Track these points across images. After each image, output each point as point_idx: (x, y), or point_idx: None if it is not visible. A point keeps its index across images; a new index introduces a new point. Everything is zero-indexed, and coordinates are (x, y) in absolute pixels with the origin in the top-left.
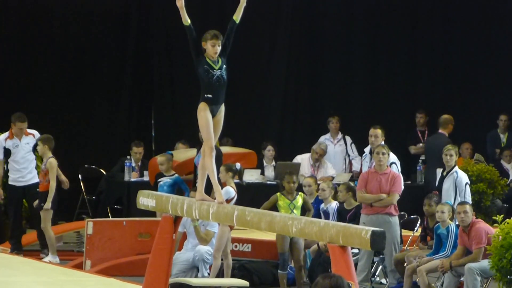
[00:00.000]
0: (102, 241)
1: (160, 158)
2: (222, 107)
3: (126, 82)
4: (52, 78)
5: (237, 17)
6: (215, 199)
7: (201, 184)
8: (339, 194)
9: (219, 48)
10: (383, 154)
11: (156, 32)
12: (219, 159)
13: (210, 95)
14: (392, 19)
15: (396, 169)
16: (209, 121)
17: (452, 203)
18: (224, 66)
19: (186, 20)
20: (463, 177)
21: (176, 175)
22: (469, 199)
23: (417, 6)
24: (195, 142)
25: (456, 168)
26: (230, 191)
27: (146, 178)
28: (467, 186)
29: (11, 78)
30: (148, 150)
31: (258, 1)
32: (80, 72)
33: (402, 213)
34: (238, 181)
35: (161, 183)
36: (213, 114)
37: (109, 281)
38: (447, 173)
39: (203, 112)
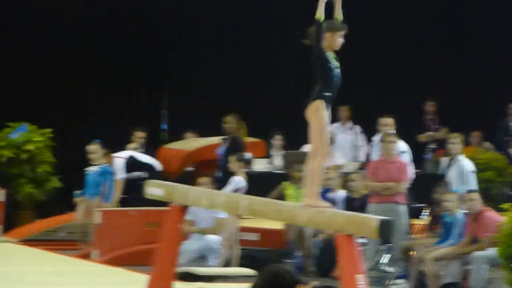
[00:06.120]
0: (110, 230)
1: (92, 147)
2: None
3: (136, 70)
4: (58, 70)
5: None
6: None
7: (314, 189)
8: (352, 183)
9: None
10: (392, 142)
11: (166, 21)
12: (241, 149)
13: (330, 93)
14: (400, 9)
15: (407, 158)
16: (327, 122)
17: (459, 191)
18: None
19: (321, 15)
20: (468, 165)
21: (106, 164)
22: (474, 186)
23: None
24: (205, 131)
25: (461, 156)
26: (240, 180)
27: None
28: (472, 174)
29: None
30: (155, 139)
31: None
32: (88, 62)
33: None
34: (248, 170)
35: (89, 172)
36: None
37: (116, 271)
38: (453, 161)
39: (323, 112)
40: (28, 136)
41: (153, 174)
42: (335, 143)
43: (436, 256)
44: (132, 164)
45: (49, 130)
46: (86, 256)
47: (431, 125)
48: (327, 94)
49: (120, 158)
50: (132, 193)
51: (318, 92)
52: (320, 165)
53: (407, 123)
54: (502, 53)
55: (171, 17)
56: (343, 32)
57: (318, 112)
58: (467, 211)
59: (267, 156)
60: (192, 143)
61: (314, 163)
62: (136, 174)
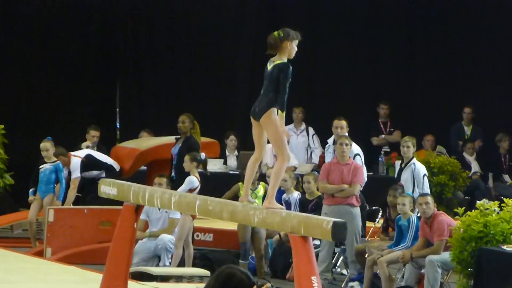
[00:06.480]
0: (63, 228)
1: (43, 144)
2: None
3: (89, 67)
4: (10, 66)
5: None
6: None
7: (271, 190)
8: (306, 185)
9: None
10: (346, 145)
11: (121, 19)
12: (196, 149)
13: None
14: (354, 12)
15: (360, 160)
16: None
17: (411, 194)
18: None
19: None
20: (421, 169)
21: (58, 162)
22: (427, 190)
23: None
24: (159, 130)
25: (414, 159)
26: (194, 180)
27: None
28: (425, 177)
29: None
30: (109, 138)
31: None
32: (42, 58)
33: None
34: (202, 170)
35: (42, 169)
36: None
37: (69, 269)
38: (405, 164)
39: (277, 117)
40: None
41: (112, 174)
42: (288, 144)
43: (389, 259)
44: (90, 163)
45: (1, 126)
46: (39, 254)
47: (385, 128)
48: (281, 101)
49: (77, 157)
50: (90, 192)
51: (274, 100)
52: (282, 169)
53: (360, 126)
54: (457, 56)
55: (126, 15)
56: (298, 40)
57: (274, 119)
58: (420, 215)
59: (221, 156)
60: (146, 142)
61: (276, 166)
62: (95, 173)
